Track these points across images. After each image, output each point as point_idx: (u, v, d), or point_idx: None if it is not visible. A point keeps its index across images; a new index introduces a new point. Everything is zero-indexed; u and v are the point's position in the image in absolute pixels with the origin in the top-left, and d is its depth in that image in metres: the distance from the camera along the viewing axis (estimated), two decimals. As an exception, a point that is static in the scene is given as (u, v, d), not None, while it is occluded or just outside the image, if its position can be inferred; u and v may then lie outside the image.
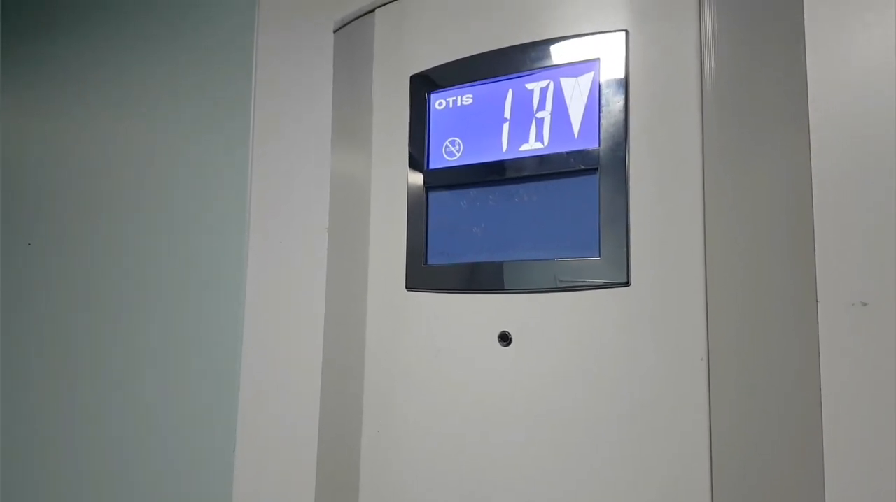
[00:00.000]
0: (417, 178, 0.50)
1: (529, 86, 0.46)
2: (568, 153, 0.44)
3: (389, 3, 0.54)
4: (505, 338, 0.45)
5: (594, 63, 0.43)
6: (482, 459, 0.45)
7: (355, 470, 0.51)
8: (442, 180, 0.49)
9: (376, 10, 0.54)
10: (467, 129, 0.48)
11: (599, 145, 0.42)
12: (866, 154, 0.38)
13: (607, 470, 0.41)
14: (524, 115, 0.46)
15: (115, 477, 0.71)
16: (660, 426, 0.39)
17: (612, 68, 0.43)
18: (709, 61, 0.41)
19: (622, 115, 0.42)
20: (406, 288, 0.50)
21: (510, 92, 0.46)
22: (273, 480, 0.60)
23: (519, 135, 0.46)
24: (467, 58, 0.48)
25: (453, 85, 0.49)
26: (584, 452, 0.41)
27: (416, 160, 0.50)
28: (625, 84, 0.42)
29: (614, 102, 0.42)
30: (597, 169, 0.42)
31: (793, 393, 0.38)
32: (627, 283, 0.41)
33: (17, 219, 0.85)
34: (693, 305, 0.39)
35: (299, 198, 0.61)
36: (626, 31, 0.42)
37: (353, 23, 0.57)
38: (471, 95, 0.48)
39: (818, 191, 0.39)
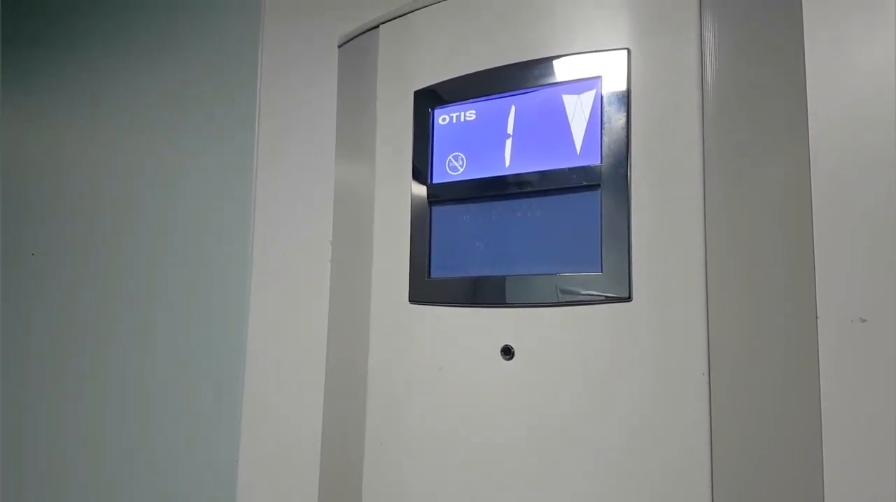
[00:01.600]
0: (421, 193, 0.51)
1: (532, 102, 0.46)
2: (570, 169, 0.44)
3: (393, 19, 0.54)
4: (508, 352, 0.45)
5: (596, 80, 0.44)
6: (484, 470, 0.45)
7: (358, 483, 0.51)
8: (445, 195, 0.50)
9: (380, 27, 0.55)
10: (470, 145, 0.49)
11: (601, 161, 0.43)
12: (866, 168, 0.39)
13: (608, 483, 0.41)
14: (527, 132, 0.46)
15: (118, 488, 0.71)
16: (661, 440, 0.39)
17: (614, 86, 0.43)
18: (709, 78, 0.41)
19: (624, 132, 0.42)
20: (409, 301, 0.50)
21: (513, 108, 0.47)
22: (276, 492, 0.60)
23: (521, 150, 0.46)
24: (471, 74, 0.49)
25: (457, 101, 0.50)
26: (586, 466, 0.42)
27: (420, 175, 0.51)
28: (626, 101, 0.43)
29: (616, 119, 0.43)
30: (599, 185, 0.43)
31: (793, 409, 0.38)
32: (629, 298, 0.41)
33: (20, 228, 0.86)
34: (694, 320, 0.39)
35: (303, 210, 0.62)
36: (628, 49, 0.43)
37: (358, 38, 0.58)
38: (474, 111, 0.49)
39: (818, 207, 0.40)
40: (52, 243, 0.82)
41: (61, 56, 0.86)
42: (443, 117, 0.50)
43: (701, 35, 0.41)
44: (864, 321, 0.38)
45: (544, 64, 0.46)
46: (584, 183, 0.44)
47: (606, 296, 0.42)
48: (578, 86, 0.44)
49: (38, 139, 0.86)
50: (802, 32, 0.41)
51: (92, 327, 0.76)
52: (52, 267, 0.81)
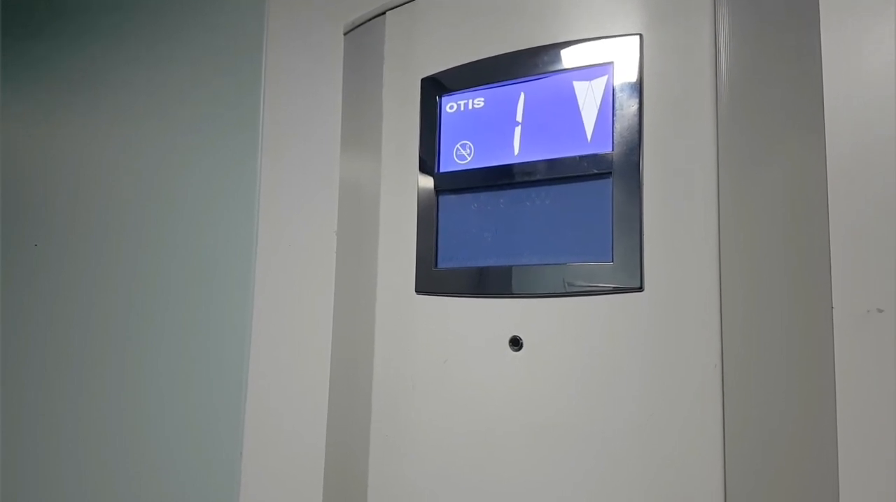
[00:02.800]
0: (428, 182, 0.50)
1: (542, 89, 0.45)
2: (581, 157, 0.43)
3: (400, 5, 0.53)
4: (516, 343, 0.45)
5: (608, 67, 0.43)
6: (491, 463, 0.45)
7: (363, 477, 0.51)
8: (452, 184, 0.49)
9: (387, 13, 0.54)
10: (478, 133, 0.48)
11: (613, 149, 0.42)
12: (883, 159, 0.38)
13: (618, 476, 0.40)
14: (536, 119, 0.46)
15: (120, 485, 0.71)
16: (672, 433, 0.39)
17: (626, 72, 0.42)
18: (723, 65, 0.40)
19: (636, 119, 0.42)
20: (416, 291, 0.50)
21: (522, 95, 0.46)
22: (280, 486, 0.60)
23: (531, 138, 0.46)
24: (479, 61, 0.48)
25: (464, 88, 0.49)
26: (595, 458, 0.41)
27: (427, 163, 0.50)
28: (639, 88, 0.42)
29: (628, 106, 0.42)
30: (610, 173, 0.42)
31: (808, 401, 0.38)
32: (641, 288, 0.41)
33: (23, 220, 0.85)
34: (707, 311, 0.39)
35: (308, 200, 0.61)
36: (641, 35, 0.42)
37: (364, 25, 0.57)
38: (482, 99, 0.48)
39: (834, 197, 0.39)
40: (55, 235, 0.81)
41: (63, 49, 0.85)
42: (450, 105, 0.50)
43: (715, 21, 0.41)
44: (880, 311, 0.37)
45: (554, 50, 0.45)
46: (595, 171, 0.43)
47: (617, 287, 0.41)
48: (589, 72, 0.44)
49: (40, 133, 0.86)
50: (819, 20, 0.41)
51: (94, 320, 0.75)
52: (54, 258, 0.81)
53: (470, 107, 0.49)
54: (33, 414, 0.78)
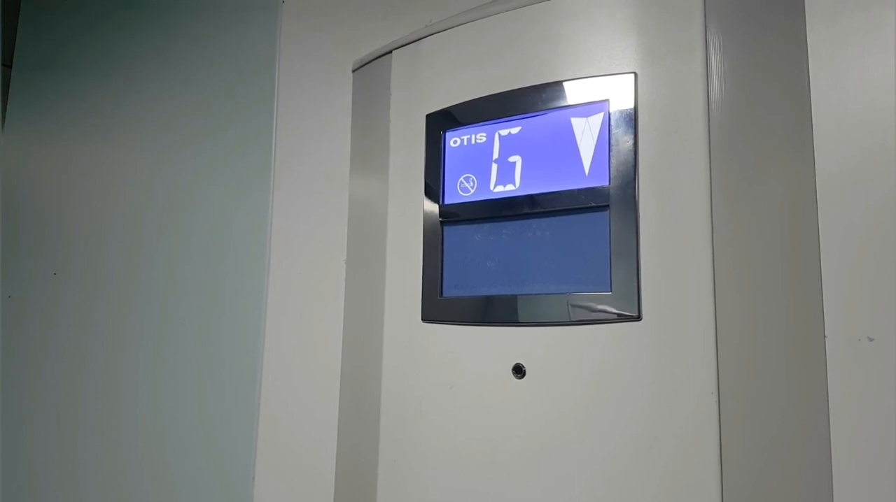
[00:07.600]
0: (433, 213, 0.52)
1: (541, 125, 0.47)
2: (579, 190, 0.45)
3: (406, 45, 0.56)
4: (519, 371, 0.46)
5: (604, 104, 0.45)
6: (496, 489, 0.46)
7: (372, 500, 0.52)
8: (457, 215, 0.51)
9: (393, 52, 0.57)
10: (481, 166, 0.50)
11: (609, 183, 0.44)
12: (872, 185, 0.39)
13: (617, 501, 0.41)
14: (536, 154, 0.47)
15: (136, 490, 0.72)
16: (670, 460, 0.40)
17: (622, 109, 0.44)
18: (715, 99, 0.42)
19: (631, 154, 0.43)
20: (422, 319, 0.51)
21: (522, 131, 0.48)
22: (291, 509, 0.61)
23: (531, 172, 0.47)
24: (481, 98, 0.50)
25: (468, 124, 0.51)
26: (595, 485, 0.42)
27: (432, 195, 0.52)
28: (633, 124, 0.44)
29: (623, 141, 0.44)
30: (607, 206, 0.44)
31: (802, 429, 0.39)
32: (638, 317, 0.42)
33: (42, 248, 0.88)
34: (703, 339, 0.40)
35: (318, 231, 0.63)
36: (635, 73, 0.44)
37: (371, 63, 0.59)
38: (485, 134, 0.50)
39: (824, 225, 0.40)
40: (73, 262, 0.84)
41: (79, 76, 0.88)
42: (454, 139, 0.51)
43: (706, 57, 0.42)
44: (871, 340, 0.38)
45: (553, 88, 0.47)
46: (593, 204, 0.44)
47: (616, 316, 0.42)
48: (586, 109, 0.45)
49: (57, 159, 0.89)
50: (807, 52, 0.42)
51: (111, 345, 0.77)
52: (73, 286, 0.83)
53: (473, 141, 0.51)
54: (51, 433, 0.80)
